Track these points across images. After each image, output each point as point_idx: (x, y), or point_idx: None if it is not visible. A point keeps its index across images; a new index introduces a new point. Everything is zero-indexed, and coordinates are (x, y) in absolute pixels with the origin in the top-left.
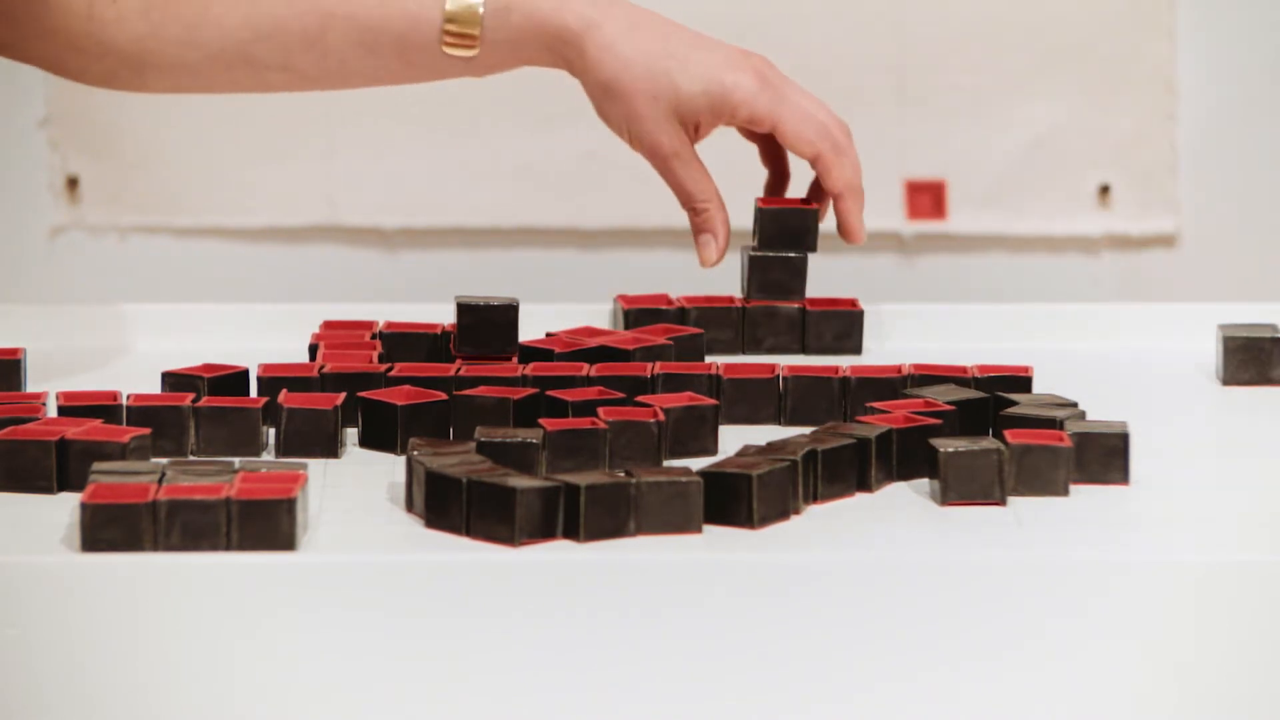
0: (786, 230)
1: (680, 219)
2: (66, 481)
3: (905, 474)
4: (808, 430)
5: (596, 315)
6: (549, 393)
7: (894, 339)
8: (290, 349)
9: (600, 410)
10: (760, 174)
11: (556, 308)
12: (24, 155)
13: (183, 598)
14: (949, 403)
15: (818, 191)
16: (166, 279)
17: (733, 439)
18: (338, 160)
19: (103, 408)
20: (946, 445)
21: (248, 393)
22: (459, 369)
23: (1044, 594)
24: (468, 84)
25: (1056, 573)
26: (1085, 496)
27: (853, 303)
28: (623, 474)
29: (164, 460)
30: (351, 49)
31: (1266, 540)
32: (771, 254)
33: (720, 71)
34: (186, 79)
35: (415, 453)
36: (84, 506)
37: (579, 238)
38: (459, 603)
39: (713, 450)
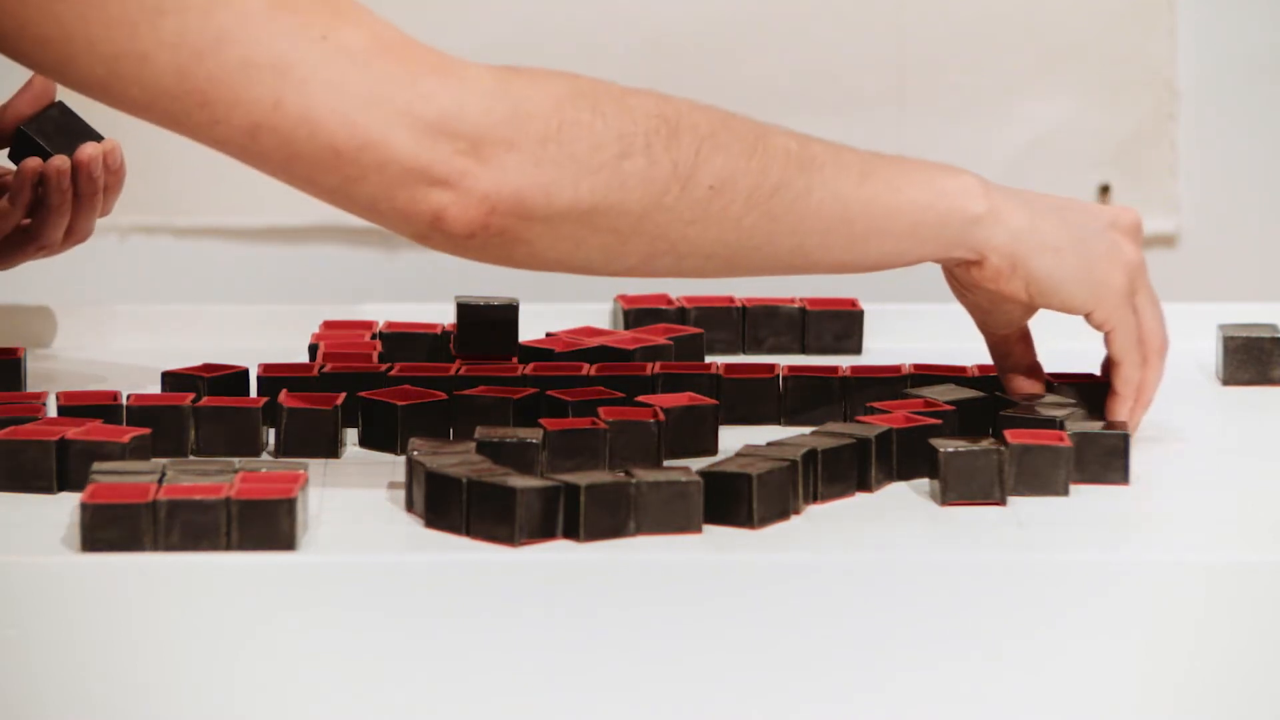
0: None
1: None
2: (66, 481)
3: (905, 474)
4: (808, 430)
5: (596, 315)
6: (549, 393)
7: (894, 339)
8: (290, 349)
9: (600, 410)
10: None
11: (556, 308)
12: None
13: (183, 598)
14: (949, 403)
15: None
16: (166, 279)
17: (733, 439)
18: None
19: (103, 408)
20: (946, 445)
21: (248, 393)
22: (459, 369)
23: (1044, 594)
24: None
25: (1056, 573)
26: (1085, 496)
27: (853, 303)
28: (623, 474)
29: (164, 460)
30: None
31: (1266, 540)
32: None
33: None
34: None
35: (415, 453)
36: (84, 506)
37: None
38: (459, 603)
39: (713, 450)
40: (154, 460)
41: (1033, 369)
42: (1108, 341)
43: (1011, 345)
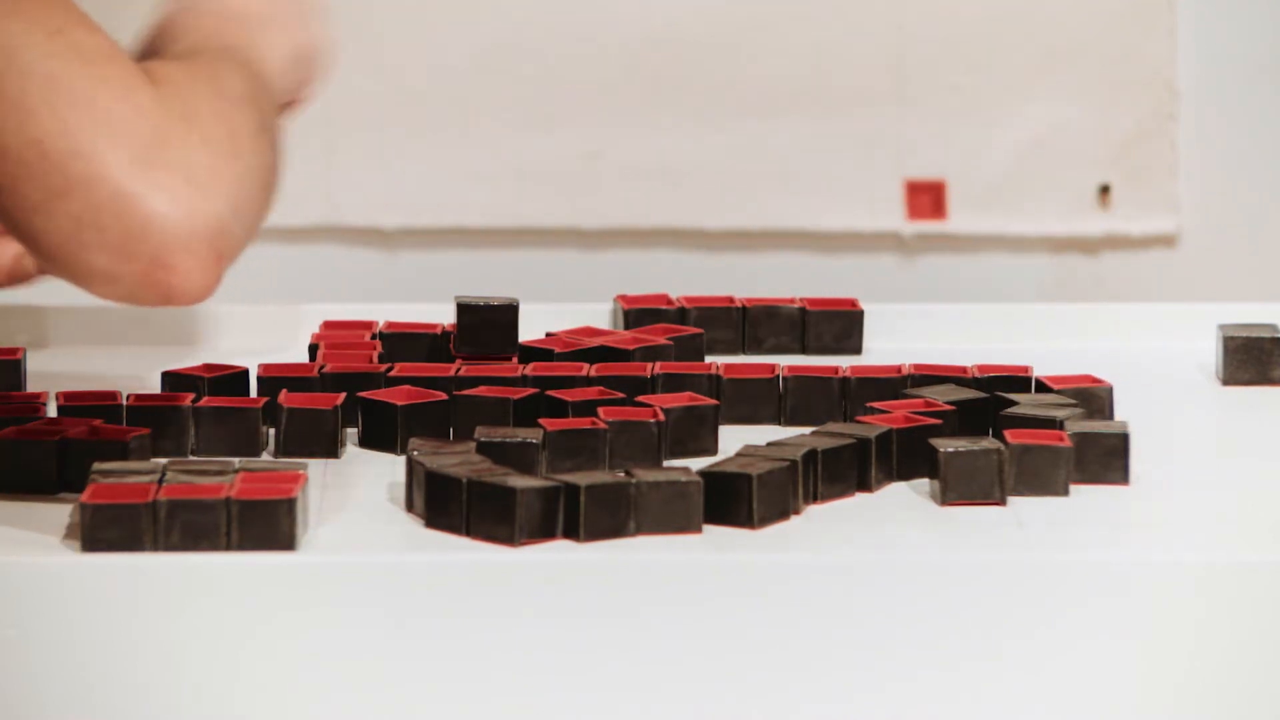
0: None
1: (680, 219)
2: (66, 481)
3: (905, 474)
4: (808, 430)
5: (596, 315)
6: (549, 393)
7: (894, 339)
8: (290, 349)
9: (600, 410)
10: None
11: (556, 308)
12: None
13: (183, 598)
14: (949, 403)
15: None
16: None
17: (733, 439)
18: (338, 160)
19: (103, 408)
20: (946, 445)
21: (248, 393)
22: (459, 369)
23: (1044, 594)
24: (467, 83)
25: (1056, 573)
26: (1085, 496)
27: (853, 303)
28: (623, 474)
29: (164, 460)
30: None
31: (1266, 540)
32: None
33: None
34: None
35: (415, 453)
36: (84, 506)
37: (579, 238)
38: (459, 603)
39: (713, 450)
40: (154, 460)
41: None
42: None
43: None
